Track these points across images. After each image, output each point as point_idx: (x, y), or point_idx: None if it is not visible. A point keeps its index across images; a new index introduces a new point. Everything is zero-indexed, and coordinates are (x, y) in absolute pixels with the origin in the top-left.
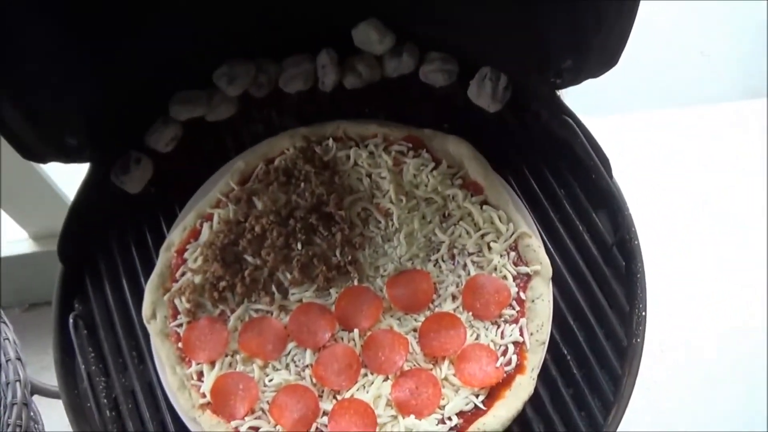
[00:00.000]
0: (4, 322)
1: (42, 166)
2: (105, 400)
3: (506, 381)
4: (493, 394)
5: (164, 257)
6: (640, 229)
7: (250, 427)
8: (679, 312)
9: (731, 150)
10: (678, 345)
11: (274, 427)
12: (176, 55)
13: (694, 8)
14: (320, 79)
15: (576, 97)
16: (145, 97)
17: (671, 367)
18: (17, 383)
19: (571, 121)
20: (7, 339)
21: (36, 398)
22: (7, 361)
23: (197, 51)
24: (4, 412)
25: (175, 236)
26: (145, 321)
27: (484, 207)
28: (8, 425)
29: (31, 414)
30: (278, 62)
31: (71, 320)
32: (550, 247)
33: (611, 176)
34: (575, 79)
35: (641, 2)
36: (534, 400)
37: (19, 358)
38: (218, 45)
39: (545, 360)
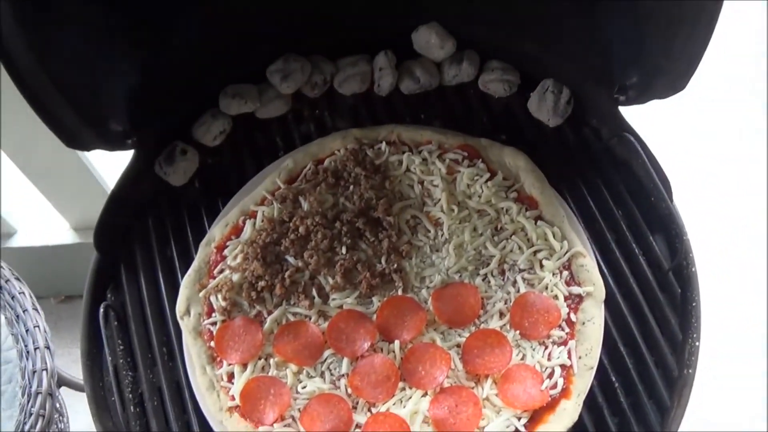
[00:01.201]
0: (36, 310)
1: (86, 156)
2: (130, 395)
3: (550, 405)
4: (535, 417)
5: (203, 252)
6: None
7: None
8: None
9: None
10: None
11: None
12: (229, 47)
13: None
14: (376, 82)
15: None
16: (195, 89)
17: None
18: (44, 372)
19: (632, 139)
20: (38, 327)
21: (64, 391)
22: (35, 349)
23: (252, 44)
24: (28, 401)
25: (216, 232)
26: (178, 317)
27: (539, 222)
28: (30, 414)
29: (57, 406)
30: (334, 62)
31: (102, 310)
32: (603, 268)
33: (671, 199)
34: (640, 98)
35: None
36: (578, 427)
37: (47, 347)
38: (274, 40)
39: (591, 386)
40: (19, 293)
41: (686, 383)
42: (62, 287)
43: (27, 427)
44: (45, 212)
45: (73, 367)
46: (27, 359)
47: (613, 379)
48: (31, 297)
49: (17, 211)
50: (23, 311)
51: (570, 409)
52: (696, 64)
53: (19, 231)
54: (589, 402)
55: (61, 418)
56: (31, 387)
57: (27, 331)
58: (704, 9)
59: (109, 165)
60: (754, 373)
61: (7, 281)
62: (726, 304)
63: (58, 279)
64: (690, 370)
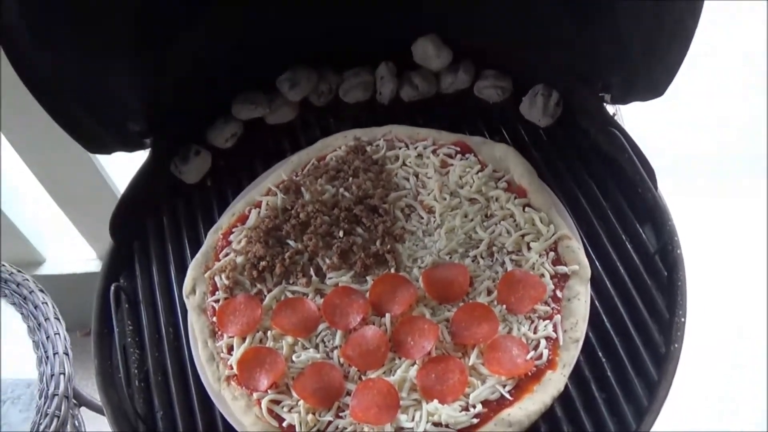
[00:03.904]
0: (58, 319)
1: (115, 183)
2: (136, 371)
3: (536, 375)
4: (521, 387)
5: (211, 239)
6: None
7: (272, 401)
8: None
9: None
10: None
11: (296, 402)
12: (241, 57)
13: None
14: (378, 90)
15: None
16: (209, 96)
17: None
18: (61, 376)
19: (618, 133)
20: (58, 334)
21: (85, 414)
22: (54, 354)
23: (262, 56)
24: (45, 403)
25: (223, 220)
26: (184, 296)
27: (527, 209)
28: (46, 414)
29: (75, 423)
30: (339, 73)
31: (112, 289)
32: (592, 254)
33: (656, 187)
34: (623, 98)
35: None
36: (565, 400)
37: (66, 353)
38: (283, 52)
39: (580, 362)
40: (42, 303)
41: (673, 358)
42: (88, 320)
43: (42, 428)
44: (74, 241)
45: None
46: (46, 365)
47: (601, 355)
48: (53, 307)
49: (47, 239)
50: (45, 320)
51: (555, 380)
52: (673, 74)
53: (48, 260)
54: (577, 377)
55: None
56: (48, 390)
57: (48, 338)
58: (682, 25)
59: None
60: (755, 373)
61: (31, 292)
62: (726, 304)
63: (84, 311)
64: (676, 345)
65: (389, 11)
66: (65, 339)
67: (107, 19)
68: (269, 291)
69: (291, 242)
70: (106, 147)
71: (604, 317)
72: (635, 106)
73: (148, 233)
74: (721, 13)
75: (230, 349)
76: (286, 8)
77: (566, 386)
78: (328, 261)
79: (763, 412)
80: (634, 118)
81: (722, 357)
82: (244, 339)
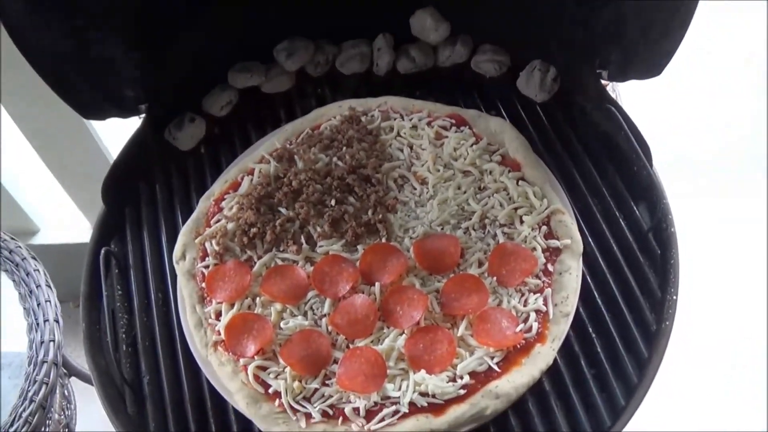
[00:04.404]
0: (49, 286)
1: (111, 153)
2: (124, 336)
3: (525, 348)
4: (509, 359)
5: (203, 205)
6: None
7: (258, 367)
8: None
9: None
10: (676, 345)
11: (283, 369)
12: (239, 28)
13: None
14: (375, 62)
15: None
16: (207, 65)
17: (670, 366)
18: (51, 343)
19: (615, 110)
20: (49, 301)
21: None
22: (45, 322)
23: (260, 27)
24: (34, 369)
25: (215, 187)
26: (174, 261)
27: (520, 183)
28: (35, 381)
29: (65, 393)
30: (337, 44)
31: (102, 252)
32: (585, 231)
33: (651, 164)
34: (620, 75)
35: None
36: (554, 375)
37: (57, 320)
38: (281, 24)
39: (570, 338)
40: (34, 270)
41: (664, 335)
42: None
43: (30, 394)
44: (68, 211)
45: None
46: (36, 331)
47: (591, 331)
48: (45, 275)
49: (41, 209)
50: (36, 287)
51: (544, 353)
52: (672, 53)
53: (42, 229)
54: (567, 353)
55: (68, 405)
56: (37, 357)
57: (38, 305)
58: (678, 9)
59: None
60: (755, 373)
61: (23, 259)
62: (726, 305)
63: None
64: (667, 323)
65: None
66: (56, 306)
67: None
68: (259, 258)
69: (282, 210)
70: (100, 112)
71: (595, 293)
72: (635, 104)
73: (140, 199)
74: (722, 13)
75: (218, 315)
76: None
77: (555, 361)
78: (319, 229)
79: (763, 412)
80: (634, 117)
81: (722, 357)
82: (232, 305)
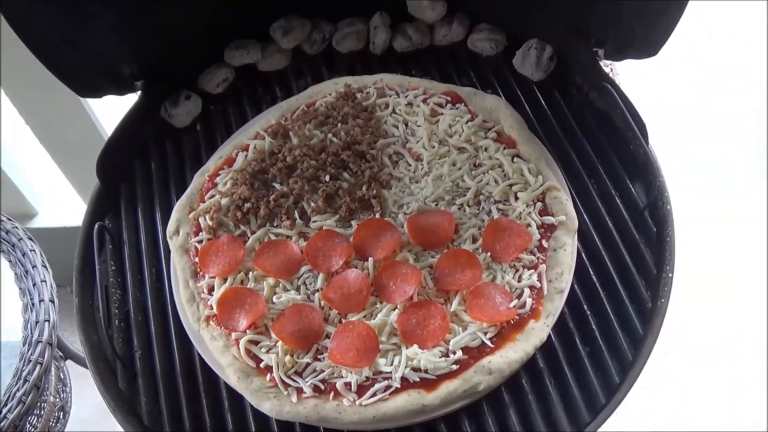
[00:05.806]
0: (45, 267)
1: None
2: (116, 311)
3: (519, 325)
4: (503, 335)
5: (197, 181)
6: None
7: (250, 341)
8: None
9: None
10: (677, 345)
11: (275, 343)
12: (236, 5)
13: None
14: (371, 40)
15: None
16: (203, 42)
17: (670, 366)
18: (46, 323)
19: (611, 88)
20: (44, 281)
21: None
22: (40, 302)
23: (257, 4)
24: (28, 349)
25: (210, 163)
26: (168, 236)
27: (515, 159)
28: (29, 361)
29: (61, 376)
30: (333, 23)
31: (96, 227)
32: (580, 208)
33: (647, 142)
34: (617, 54)
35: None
36: (548, 352)
37: (52, 300)
38: (278, 1)
39: (564, 315)
40: (30, 251)
41: (659, 313)
42: None
43: (24, 374)
44: (66, 194)
45: None
46: (31, 311)
47: (586, 308)
48: (41, 255)
49: (39, 192)
50: (32, 267)
51: (538, 330)
52: (668, 33)
53: (40, 213)
54: (561, 331)
55: (64, 388)
56: (32, 336)
57: (34, 285)
58: None
59: None
60: (755, 373)
61: (20, 239)
62: (726, 305)
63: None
64: (663, 300)
65: None
66: (52, 287)
67: None
68: (253, 233)
69: (277, 185)
70: (96, 90)
71: (590, 271)
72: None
73: (135, 175)
74: (722, 13)
75: (211, 289)
76: None
77: (549, 337)
78: (313, 204)
79: (763, 412)
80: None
81: (722, 357)
82: (225, 280)
